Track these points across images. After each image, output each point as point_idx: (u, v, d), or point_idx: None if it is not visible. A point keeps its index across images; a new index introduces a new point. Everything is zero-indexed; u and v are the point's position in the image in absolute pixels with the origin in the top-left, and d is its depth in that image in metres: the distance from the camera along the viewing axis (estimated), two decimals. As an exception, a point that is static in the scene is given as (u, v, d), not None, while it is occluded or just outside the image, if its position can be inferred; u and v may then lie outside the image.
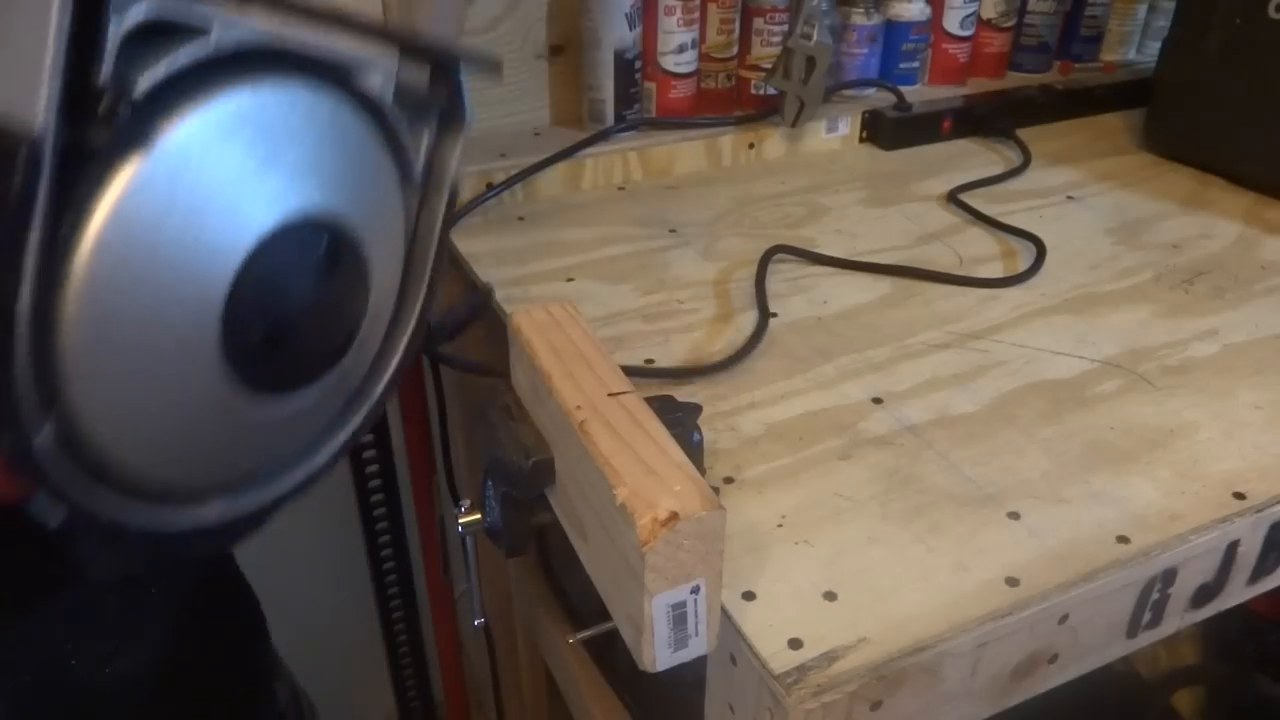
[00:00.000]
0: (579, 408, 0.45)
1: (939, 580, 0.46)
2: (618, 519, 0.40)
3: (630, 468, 0.41)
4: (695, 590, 0.41)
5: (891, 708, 0.43)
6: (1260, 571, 0.53)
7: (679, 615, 0.41)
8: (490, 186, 0.81)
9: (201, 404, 0.36)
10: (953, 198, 0.84)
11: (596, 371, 0.47)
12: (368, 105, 0.39)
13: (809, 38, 0.86)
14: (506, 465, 0.51)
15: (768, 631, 0.43)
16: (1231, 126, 0.86)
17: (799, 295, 0.70)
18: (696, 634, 0.42)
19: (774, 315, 0.67)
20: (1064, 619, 0.46)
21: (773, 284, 0.71)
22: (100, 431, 0.33)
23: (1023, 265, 0.74)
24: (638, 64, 0.89)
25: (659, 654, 0.42)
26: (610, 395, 0.46)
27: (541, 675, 0.92)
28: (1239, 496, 0.51)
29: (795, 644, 0.42)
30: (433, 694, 1.36)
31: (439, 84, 0.42)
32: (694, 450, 0.49)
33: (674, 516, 0.39)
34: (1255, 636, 1.03)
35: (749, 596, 0.45)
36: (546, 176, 0.84)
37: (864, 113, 0.96)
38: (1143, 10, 1.09)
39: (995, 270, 0.73)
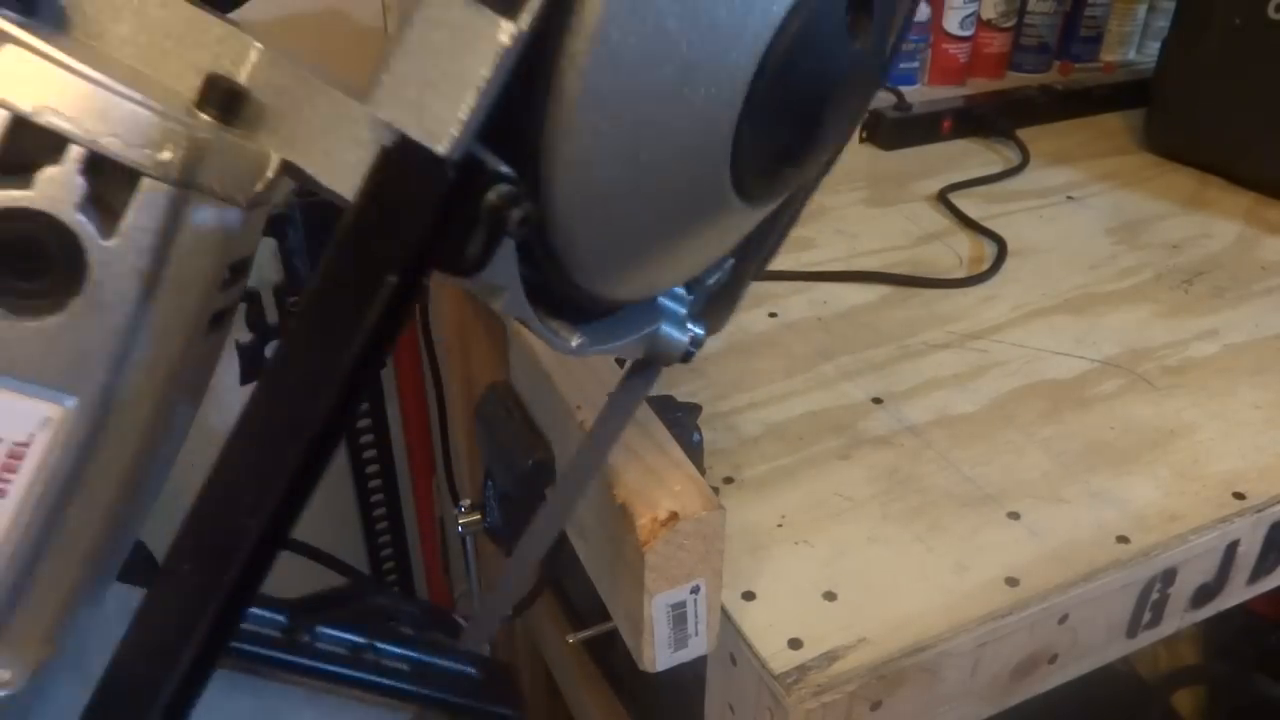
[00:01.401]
0: (579, 408, 0.45)
1: (939, 580, 0.46)
2: (618, 519, 0.40)
3: (630, 468, 0.41)
4: (695, 590, 0.41)
5: (891, 708, 0.43)
6: (1260, 571, 0.53)
7: (679, 615, 0.41)
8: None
9: (688, 214, 0.29)
10: (942, 197, 0.84)
11: (596, 372, 0.47)
12: None
13: (809, 38, 0.86)
14: (507, 465, 0.51)
15: (768, 631, 0.43)
16: (1231, 126, 0.86)
17: (799, 295, 0.70)
18: (696, 634, 0.42)
19: (774, 315, 0.67)
20: (1064, 619, 0.46)
21: (772, 283, 0.71)
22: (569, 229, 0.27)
23: (1024, 265, 0.74)
24: (638, 64, 0.89)
25: (659, 654, 0.42)
26: (610, 395, 0.46)
27: (542, 675, 0.92)
28: (1239, 496, 0.51)
29: (795, 644, 0.42)
30: (433, 694, 1.36)
31: None
32: (694, 450, 0.49)
33: (674, 516, 0.39)
34: (1255, 636, 1.03)
35: (749, 596, 0.45)
36: (546, 177, 0.84)
37: (864, 113, 0.96)
38: (1143, 10, 1.09)
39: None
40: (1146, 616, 0.50)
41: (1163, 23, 1.05)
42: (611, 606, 0.45)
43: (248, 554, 0.26)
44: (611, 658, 0.74)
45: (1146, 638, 0.51)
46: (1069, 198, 0.86)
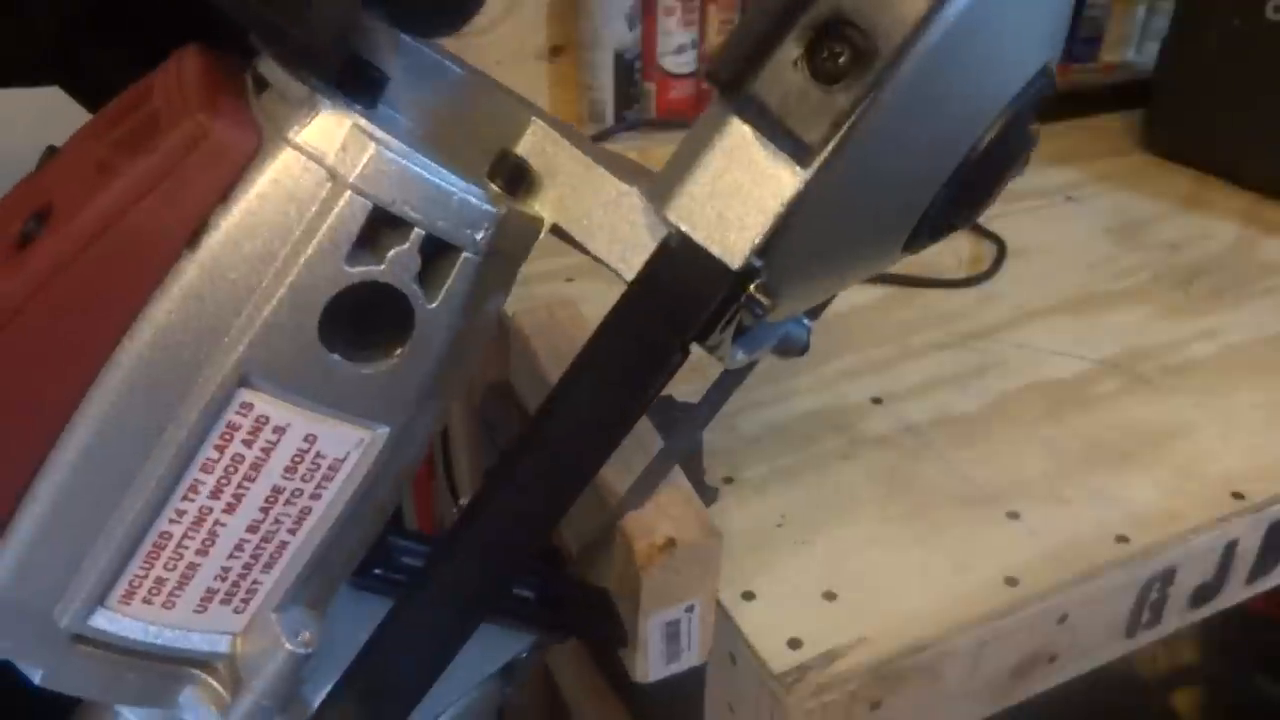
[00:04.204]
0: None
1: (939, 580, 0.46)
2: (616, 540, 0.40)
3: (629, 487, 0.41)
4: (690, 609, 0.41)
5: (891, 707, 0.43)
6: (1259, 571, 0.53)
7: (673, 632, 0.42)
8: (490, 186, 0.81)
9: (863, 267, 0.33)
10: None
11: None
12: None
13: (809, 38, 0.86)
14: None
15: (768, 631, 0.43)
16: (1230, 126, 0.86)
17: (799, 295, 0.70)
18: (689, 649, 0.43)
19: (774, 315, 0.67)
20: (1063, 619, 0.46)
21: (772, 284, 0.71)
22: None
23: (1022, 266, 0.74)
24: (637, 64, 0.89)
25: (652, 667, 0.42)
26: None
27: (541, 675, 0.92)
28: (1238, 496, 0.51)
29: (795, 644, 0.42)
30: (432, 694, 1.36)
31: None
32: (694, 450, 0.49)
33: (671, 543, 0.39)
34: (1254, 636, 1.03)
35: (749, 596, 0.45)
36: (546, 176, 0.84)
37: (863, 113, 0.96)
38: (1142, 10, 1.09)
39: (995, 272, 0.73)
40: (1145, 616, 0.50)
41: (1162, 23, 1.05)
42: (610, 611, 0.45)
43: (515, 565, 0.32)
44: (610, 657, 0.74)
45: (1145, 637, 0.51)
46: (1068, 198, 0.86)
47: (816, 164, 0.26)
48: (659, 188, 0.28)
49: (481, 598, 0.32)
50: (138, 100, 0.28)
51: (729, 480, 0.52)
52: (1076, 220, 0.82)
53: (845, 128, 0.25)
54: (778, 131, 0.26)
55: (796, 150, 0.26)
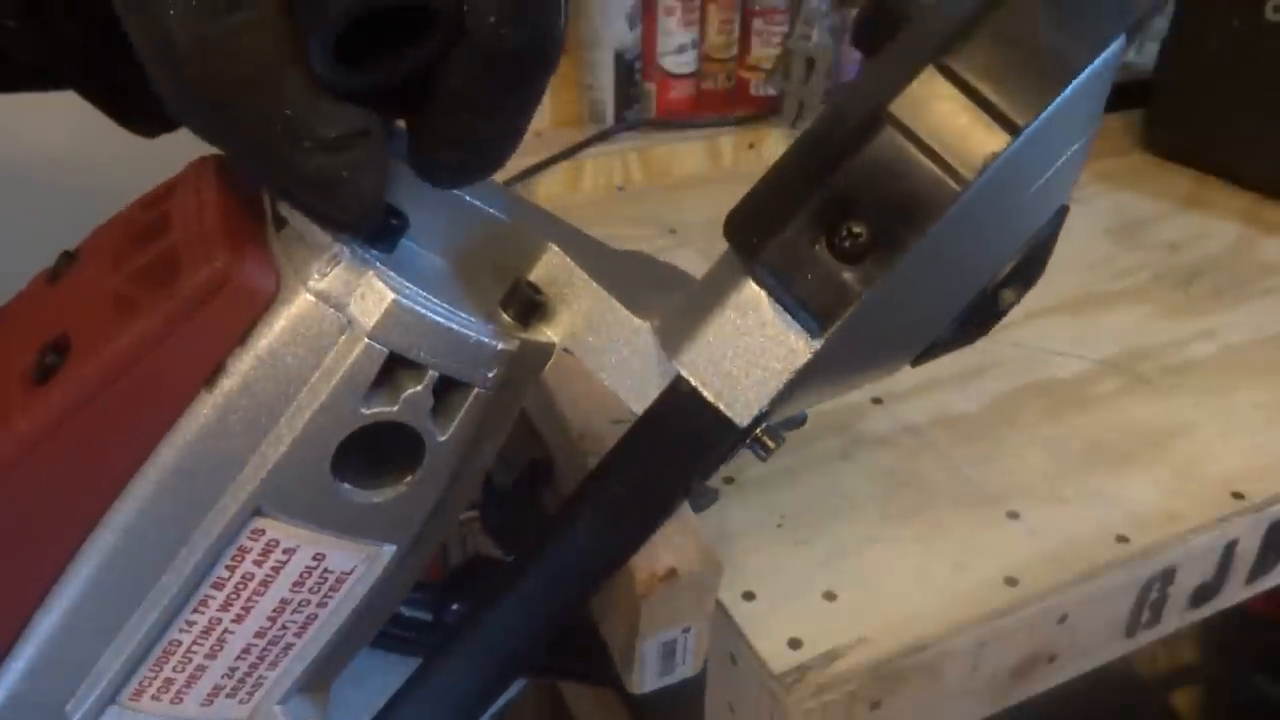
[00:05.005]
0: (582, 437, 0.45)
1: (939, 580, 0.46)
2: None
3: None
4: (686, 630, 0.41)
5: (891, 707, 0.43)
6: (1259, 571, 0.53)
7: (668, 650, 0.42)
8: (490, 187, 0.81)
9: (869, 379, 0.33)
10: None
11: (600, 395, 0.47)
12: None
13: (809, 38, 0.86)
14: (505, 464, 0.51)
15: (768, 631, 0.43)
16: (1230, 127, 0.86)
17: (799, 295, 0.70)
18: (684, 663, 0.43)
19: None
20: (1063, 619, 0.46)
21: (772, 284, 0.71)
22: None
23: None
24: (638, 64, 0.89)
25: (645, 681, 0.42)
26: (614, 423, 0.46)
27: (541, 675, 0.92)
28: (1238, 496, 0.51)
29: (795, 644, 0.42)
30: (432, 694, 1.35)
31: None
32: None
33: (672, 572, 0.39)
34: (1254, 636, 1.04)
35: (749, 596, 0.45)
36: (546, 177, 0.84)
37: (863, 113, 0.96)
38: (1142, 10, 1.09)
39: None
40: (1145, 616, 0.50)
41: (1162, 23, 1.05)
42: (604, 630, 0.45)
43: (526, 656, 0.33)
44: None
45: (1145, 637, 0.51)
46: (1068, 198, 0.86)
47: (829, 334, 0.25)
48: (671, 331, 0.28)
49: (485, 693, 0.33)
50: (156, 225, 0.28)
51: (729, 480, 0.52)
52: (1076, 220, 0.81)
53: (860, 302, 0.25)
54: (791, 302, 0.25)
55: (809, 323, 0.25)
